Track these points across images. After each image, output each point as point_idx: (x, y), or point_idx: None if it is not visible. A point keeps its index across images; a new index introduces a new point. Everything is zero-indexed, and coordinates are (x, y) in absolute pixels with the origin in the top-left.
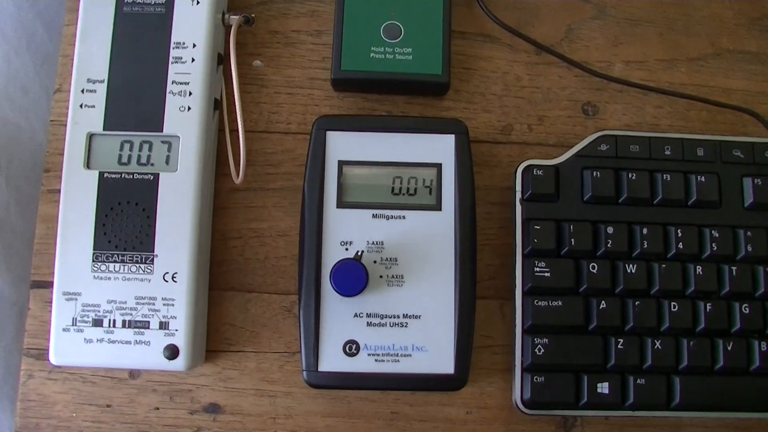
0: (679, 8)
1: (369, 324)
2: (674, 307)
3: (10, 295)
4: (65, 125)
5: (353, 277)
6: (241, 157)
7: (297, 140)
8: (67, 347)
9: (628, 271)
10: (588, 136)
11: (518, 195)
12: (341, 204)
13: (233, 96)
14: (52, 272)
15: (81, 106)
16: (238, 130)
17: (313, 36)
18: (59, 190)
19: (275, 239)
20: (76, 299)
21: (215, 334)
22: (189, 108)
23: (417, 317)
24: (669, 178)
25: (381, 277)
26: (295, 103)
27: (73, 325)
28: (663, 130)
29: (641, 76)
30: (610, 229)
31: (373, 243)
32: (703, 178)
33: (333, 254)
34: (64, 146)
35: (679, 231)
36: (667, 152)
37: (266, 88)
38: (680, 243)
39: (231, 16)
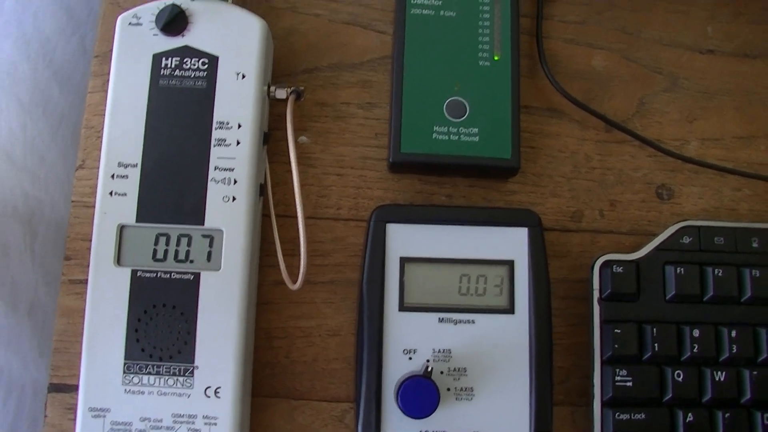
0: (755, 78)
1: None
2: None
3: (44, 384)
4: (89, 206)
5: (424, 398)
6: (302, 264)
7: (348, 227)
8: None
9: (716, 378)
10: (664, 223)
11: (596, 294)
12: (404, 306)
13: (279, 178)
14: (73, 374)
15: (111, 193)
16: (299, 237)
17: (364, 109)
18: (83, 281)
19: (324, 339)
20: (105, 416)
21: None
22: (234, 198)
23: None
24: (758, 274)
25: (449, 390)
26: (346, 186)
27: None
28: (742, 214)
29: (718, 154)
30: (696, 332)
31: (439, 351)
32: None
33: (395, 364)
34: (88, 232)
35: None
36: (755, 245)
37: (313, 168)
38: None
39: (277, 89)
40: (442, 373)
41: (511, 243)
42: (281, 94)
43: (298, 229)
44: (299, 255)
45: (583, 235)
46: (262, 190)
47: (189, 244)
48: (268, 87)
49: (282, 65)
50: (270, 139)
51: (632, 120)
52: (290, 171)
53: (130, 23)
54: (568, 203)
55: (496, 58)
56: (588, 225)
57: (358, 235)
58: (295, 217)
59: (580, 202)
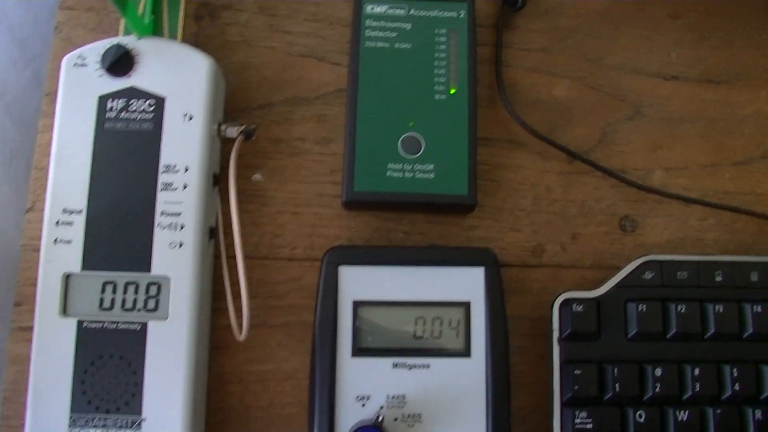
0: (720, 106)
1: None
2: None
3: None
4: (39, 251)
5: None
6: (245, 314)
7: (303, 267)
8: None
9: (679, 418)
10: (628, 255)
11: (555, 334)
12: (357, 352)
13: (231, 220)
14: (22, 424)
15: (55, 241)
16: (240, 285)
17: (320, 144)
18: (31, 328)
19: (280, 383)
20: None
21: None
22: (181, 244)
23: None
24: (721, 309)
25: None
26: (301, 224)
27: None
28: (708, 245)
29: (683, 183)
30: (658, 371)
31: (393, 397)
32: (759, 308)
33: (348, 412)
34: (37, 278)
35: (734, 370)
36: (718, 278)
37: (267, 207)
38: (736, 383)
39: (228, 128)
40: (396, 419)
41: (467, 283)
42: (232, 133)
43: (249, 274)
44: (245, 304)
45: (545, 270)
46: (213, 232)
47: (136, 292)
48: (219, 126)
49: (236, 100)
50: (222, 179)
51: (595, 150)
52: (244, 211)
53: (75, 64)
54: (528, 238)
55: (452, 91)
56: (549, 260)
57: (313, 276)
58: (250, 258)
59: (540, 236)
